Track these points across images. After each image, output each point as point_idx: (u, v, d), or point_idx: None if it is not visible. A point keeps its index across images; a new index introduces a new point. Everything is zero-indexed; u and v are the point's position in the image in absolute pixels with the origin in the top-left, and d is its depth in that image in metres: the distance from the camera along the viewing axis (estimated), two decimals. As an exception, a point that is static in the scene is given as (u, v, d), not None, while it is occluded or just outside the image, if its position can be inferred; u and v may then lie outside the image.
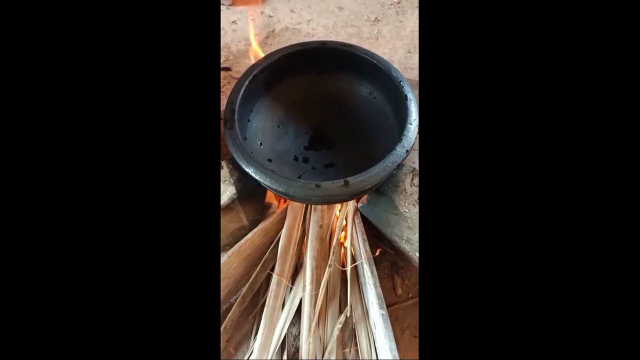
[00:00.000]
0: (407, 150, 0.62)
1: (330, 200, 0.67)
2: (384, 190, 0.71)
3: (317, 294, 0.70)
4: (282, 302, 0.72)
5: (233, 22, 1.27)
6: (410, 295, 0.83)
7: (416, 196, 0.69)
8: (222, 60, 1.17)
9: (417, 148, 0.76)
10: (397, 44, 1.25)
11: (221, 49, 1.19)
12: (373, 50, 1.24)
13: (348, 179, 0.58)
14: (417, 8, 1.34)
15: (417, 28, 1.29)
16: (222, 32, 1.23)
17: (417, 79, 1.11)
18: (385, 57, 1.25)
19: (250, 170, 0.60)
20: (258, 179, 0.59)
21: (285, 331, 0.72)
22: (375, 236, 0.84)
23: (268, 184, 0.59)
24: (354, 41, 1.24)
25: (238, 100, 0.66)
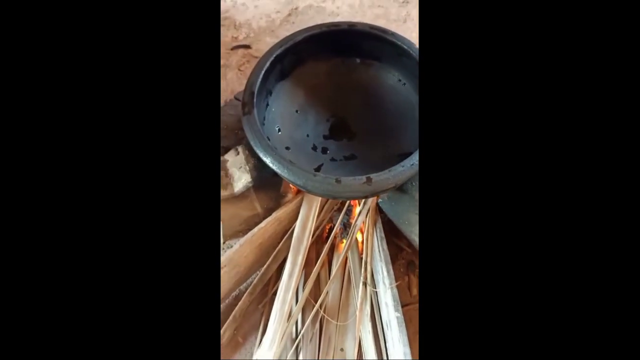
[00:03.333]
0: (437, 148, 0.57)
1: (349, 196, 0.64)
2: (407, 187, 0.67)
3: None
4: (293, 296, 0.70)
5: (255, -3, 1.20)
6: (424, 296, 0.80)
7: (441, 196, 0.65)
8: (242, 37, 1.12)
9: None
10: (428, 28, 1.17)
11: (242, 26, 1.14)
12: (400, 33, 1.16)
13: (371, 175, 0.54)
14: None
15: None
16: (244, 8, 1.17)
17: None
18: (414, 41, 1.18)
19: (267, 160, 0.56)
20: (275, 169, 0.56)
21: (294, 326, 0.71)
22: (393, 232, 0.80)
23: (286, 175, 0.56)
24: (380, 22, 1.17)
25: (258, 83, 0.62)
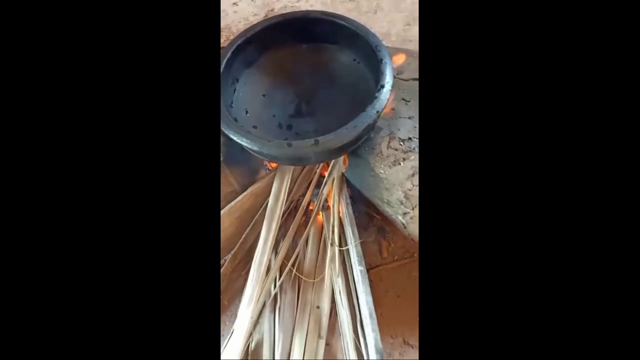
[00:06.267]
0: (377, 112, 0.64)
1: (304, 160, 0.71)
2: (361, 152, 0.73)
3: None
4: (268, 258, 0.78)
5: (234, 3, 1.31)
6: (395, 258, 0.86)
7: (392, 158, 0.71)
8: (223, 40, 1.22)
9: (404, 116, 0.77)
10: (396, 17, 1.24)
11: (223, 30, 1.24)
12: (372, 23, 1.24)
13: (318, 138, 0.62)
14: (418, -22, 1.32)
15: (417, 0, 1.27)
16: (224, 14, 1.28)
17: (417, 50, 1.11)
18: (384, 30, 1.25)
19: (229, 133, 0.65)
20: (236, 139, 0.64)
21: (272, 285, 0.78)
22: (362, 202, 0.87)
23: (244, 143, 0.64)
24: (352, 15, 1.24)
25: (221, 70, 0.71)
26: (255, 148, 0.63)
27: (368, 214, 0.90)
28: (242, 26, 1.25)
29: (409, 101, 0.82)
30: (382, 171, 0.71)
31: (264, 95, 0.81)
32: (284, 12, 1.29)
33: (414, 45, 1.17)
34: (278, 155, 0.64)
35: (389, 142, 0.72)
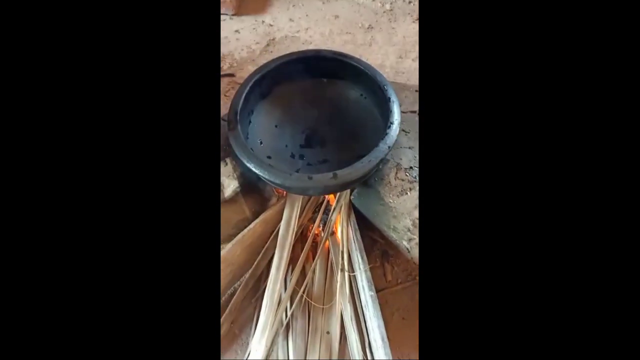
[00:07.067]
0: (389, 147, 0.69)
1: (322, 191, 0.75)
2: (371, 183, 0.78)
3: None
4: (281, 286, 0.80)
5: (236, 31, 1.36)
6: (399, 281, 0.91)
7: (400, 188, 0.77)
8: (226, 67, 1.26)
9: (405, 146, 0.83)
10: (389, 50, 1.33)
11: (225, 57, 1.28)
12: (367, 55, 1.32)
13: (337, 171, 0.66)
14: (409, 15, 1.42)
15: (408, 34, 1.37)
16: (226, 41, 1.32)
17: (407, 82, 1.19)
18: (378, 62, 1.34)
19: (251, 166, 0.68)
20: (258, 173, 0.67)
21: (283, 313, 0.80)
22: (367, 227, 0.91)
23: (267, 177, 0.67)
24: (348, 47, 1.33)
25: (240, 104, 0.75)
26: (277, 181, 0.66)
27: (371, 238, 0.95)
28: (244, 53, 1.30)
29: (408, 132, 0.89)
30: (390, 200, 0.76)
31: (276, 126, 0.85)
32: (284, 41, 1.36)
33: (406, 78, 1.26)
34: (297, 187, 0.67)
35: (396, 172, 0.78)
